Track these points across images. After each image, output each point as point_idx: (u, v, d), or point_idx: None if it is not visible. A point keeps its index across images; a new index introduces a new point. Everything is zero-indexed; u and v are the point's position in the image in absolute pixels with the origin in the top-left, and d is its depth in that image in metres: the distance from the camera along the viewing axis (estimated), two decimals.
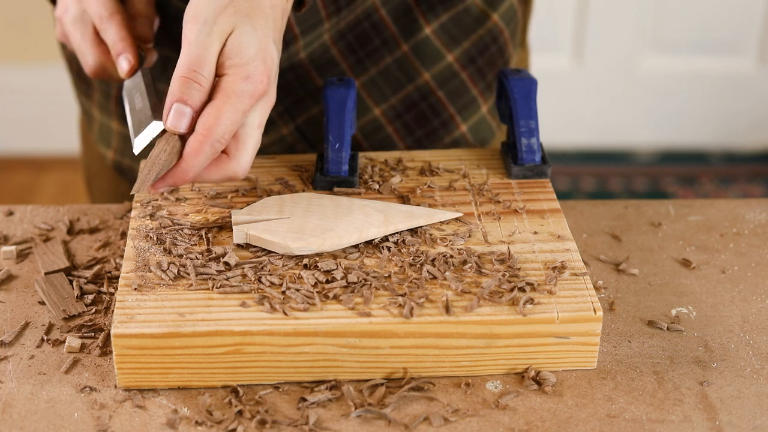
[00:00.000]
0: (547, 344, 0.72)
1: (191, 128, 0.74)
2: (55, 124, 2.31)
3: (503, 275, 0.74)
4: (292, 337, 0.70)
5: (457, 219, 0.81)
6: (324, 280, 0.73)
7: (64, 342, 0.75)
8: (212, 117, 0.73)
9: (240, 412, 0.69)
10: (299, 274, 0.74)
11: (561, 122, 2.43)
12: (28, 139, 2.43)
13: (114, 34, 0.85)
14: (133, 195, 0.85)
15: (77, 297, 0.79)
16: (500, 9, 0.99)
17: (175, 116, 0.74)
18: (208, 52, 0.74)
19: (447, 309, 0.71)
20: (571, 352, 0.73)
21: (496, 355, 0.72)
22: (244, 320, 0.70)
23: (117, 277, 0.80)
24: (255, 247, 0.77)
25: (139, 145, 0.77)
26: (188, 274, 0.74)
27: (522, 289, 0.73)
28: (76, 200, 2.19)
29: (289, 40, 0.91)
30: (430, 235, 0.79)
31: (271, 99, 0.77)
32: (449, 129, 1.00)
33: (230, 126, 0.73)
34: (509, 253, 0.77)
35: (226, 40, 0.74)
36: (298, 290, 0.72)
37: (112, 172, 1.08)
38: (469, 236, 0.79)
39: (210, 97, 0.74)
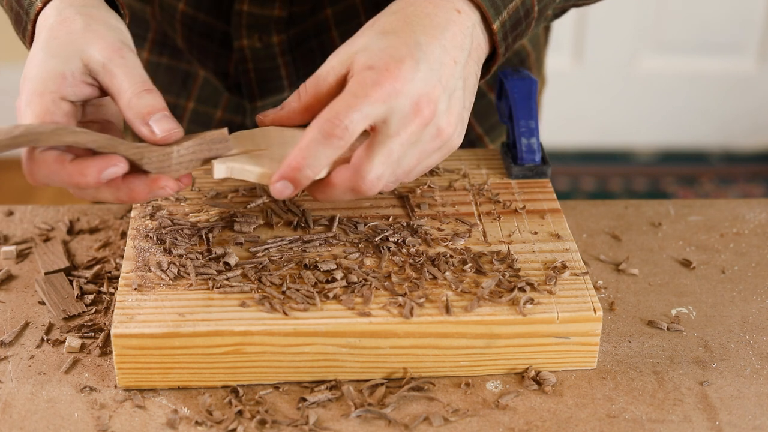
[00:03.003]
0: (547, 344, 0.72)
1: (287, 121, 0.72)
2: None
3: (503, 275, 0.74)
4: (292, 337, 0.70)
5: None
6: (324, 280, 0.73)
7: (64, 342, 0.75)
8: (330, 107, 0.68)
9: (240, 412, 0.69)
10: (299, 274, 0.74)
11: (561, 122, 2.43)
12: None
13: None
14: None
15: (77, 297, 0.79)
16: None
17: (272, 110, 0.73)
18: (324, 68, 0.70)
19: (447, 309, 0.71)
20: (571, 352, 0.73)
21: (496, 355, 0.72)
22: (244, 320, 0.70)
23: (117, 277, 0.80)
24: (255, 247, 0.77)
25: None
26: (188, 274, 0.74)
27: (522, 289, 0.73)
28: (76, 200, 2.19)
29: None
30: (430, 235, 0.79)
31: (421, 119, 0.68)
32: (478, 148, 1.00)
33: (345, 116, 0.67)
34: (509, 252, 0.77)
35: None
36: (298, 290, 0.72)
37: None
38: (469, 236, 0.79)
39: None
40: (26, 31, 0.74)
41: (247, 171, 0.72)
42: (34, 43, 0.72)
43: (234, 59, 0.94)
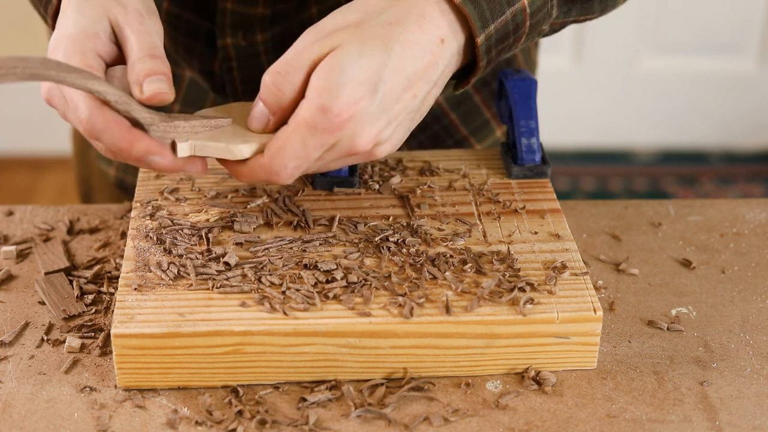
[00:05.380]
0: (547, 344, 0.72)
1: (272, 129, 0.71)
2: (55, 124, 2.31)
3: (503, 275, 0.74)
4: (292, 337, 0.70)
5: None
6: (324, 280, 0.73)
7: (64, 342, 0.75)
8: (276, 146, 0.70)
9: (240, 412, 0.69)
10: (299, 274, 0.74)
11: (561, 122, 2.43)
12: (28, 139, 2.43)
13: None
14: (132, 195, 0.85)
15: (77, 297, 0.79)
16: None
17: (253, 115, 0.72)
18: (300, 57, 0.69)
19: (447, 309, 0.71)
20: (571, 352, 0.73)
21: (496, 355, 0.72)
22: (244, 320, 0.70)
23: (117, 277, 0.80)
24: (255, 247, 0.77)
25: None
26: (188, 274, 0.74)
27: (522, 289, 0.73)
28: (76, 200, 2.19)
29: None
30: (430, 235, 0.79)
31: (353, 145, 0.69)
32: (464, 148, 1.00)
33: (293, 161, 0.69)
34: (509, 252, 0.77)
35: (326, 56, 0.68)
36: (298, 290, 0.72)
37: (115, 189, 1.07)
38: (469, 236, 0.79)
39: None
40: (49, 6, 0.77)
41: (209, 147, 0.72)
42: (65, 6, 0.74)
43: (218, 58, 0.94)
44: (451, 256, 0.76)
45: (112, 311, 0.76)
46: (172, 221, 0.79)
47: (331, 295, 0.72)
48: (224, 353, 0.70)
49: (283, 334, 0.70)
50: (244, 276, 0.74)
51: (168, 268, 0.74)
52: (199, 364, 0.70)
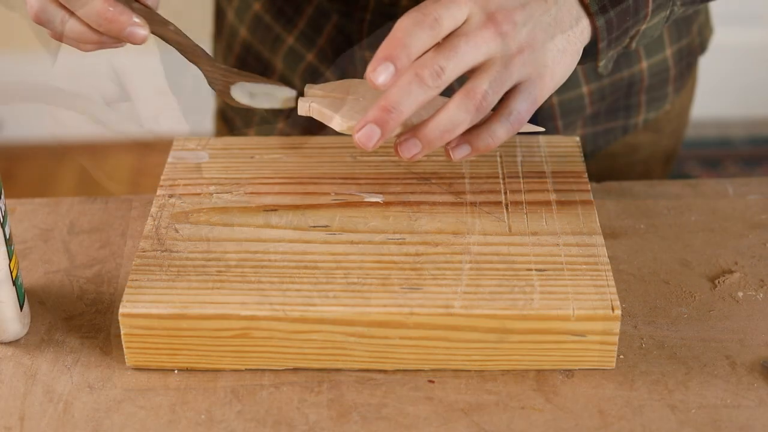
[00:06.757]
0: (562, 341, 0.70)
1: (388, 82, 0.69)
2: (74, 111, 2.31)
3: (518, 270, 0.72)
4: (300, 324, 0.69)
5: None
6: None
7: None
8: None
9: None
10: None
11: None
12: (48, 126, 2.44)
13: None
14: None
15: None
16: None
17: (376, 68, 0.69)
18: None
19: (457, 302, 0.69)
20: (588, 351, 0.70)
21: (508, 351, 0.71)
22: (251, 305, 0.70)
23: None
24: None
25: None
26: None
27: (536, 284, 0.71)
28: (96, 190, 2.19)
29: None
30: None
31: (496, 65, 0.69)
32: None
33: (405, 39, 0.67)
34: (528, 245, 0.74)
35: None
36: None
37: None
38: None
39: None
40: None
41: (325, 114, 0.73)
42: None
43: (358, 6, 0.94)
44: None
45: (113, 311, 0.76)
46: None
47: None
48: (232, 336, 0.70)
49: (290, 320, 0.69)
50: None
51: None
52: (207, 346, 0.70)
